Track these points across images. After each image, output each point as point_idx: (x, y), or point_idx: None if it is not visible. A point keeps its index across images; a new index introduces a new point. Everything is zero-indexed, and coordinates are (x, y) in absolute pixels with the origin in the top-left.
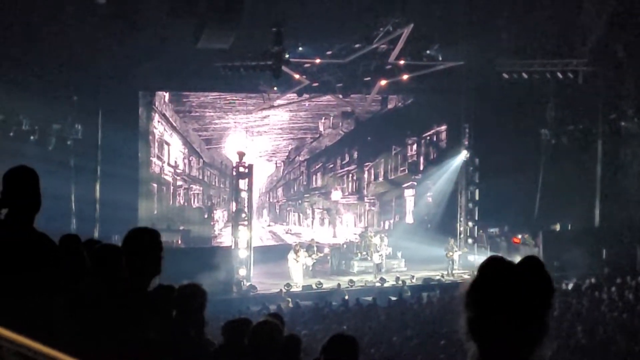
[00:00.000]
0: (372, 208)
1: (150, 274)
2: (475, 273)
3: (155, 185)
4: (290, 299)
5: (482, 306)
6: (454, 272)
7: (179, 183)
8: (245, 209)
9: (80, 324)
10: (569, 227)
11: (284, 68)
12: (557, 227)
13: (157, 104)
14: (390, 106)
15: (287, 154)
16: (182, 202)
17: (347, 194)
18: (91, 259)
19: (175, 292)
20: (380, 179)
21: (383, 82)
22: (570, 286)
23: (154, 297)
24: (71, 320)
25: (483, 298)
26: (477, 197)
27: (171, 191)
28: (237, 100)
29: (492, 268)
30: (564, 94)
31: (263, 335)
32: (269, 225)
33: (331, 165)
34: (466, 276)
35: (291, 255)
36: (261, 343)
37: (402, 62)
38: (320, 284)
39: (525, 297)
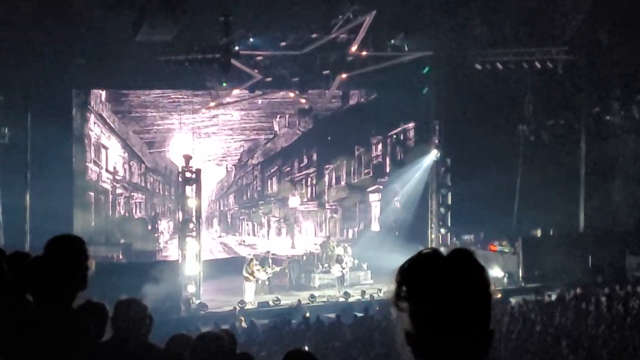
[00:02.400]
0: (334, 215)
1: (75, 288)
2: (403, 265)
3: (92, 193)
4: (244, 318)
5: (410, 302)
6: None
7: (119, 191)
8: (193, 219)
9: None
10: (551, 233)
11: (233, 62)
12: (538, 233)
13: (92, 103)
14: (352, 102)
15: (238, 157)
16: (122, 212)
17: (305, 200)
18: (24, 272)
19: (113, 308)
20: (343, 183)
21: (344, 76)
22: (553, 297)
23: (80, 314)
24: None
25: (411, 293)
26: (449, 201)
27: (110, 200)
28: (182, 98)
29: (420, 260)
30: (543, 85)
31: (205, 347)
32: (220, 237)
33: (288, 169)
34: None
35: (245, 269)
36: (203, 356)
37: (364, 53)
38: (278, 300)
39: (455, 291)
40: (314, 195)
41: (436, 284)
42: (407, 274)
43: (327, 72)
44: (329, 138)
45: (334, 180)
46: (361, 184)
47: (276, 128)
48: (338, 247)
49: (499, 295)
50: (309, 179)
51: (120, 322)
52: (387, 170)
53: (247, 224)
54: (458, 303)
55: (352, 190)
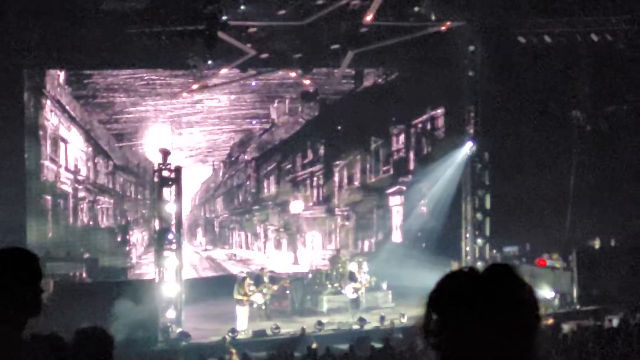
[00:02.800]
0: (346, 223)
1: (24, 315)
2: (433, 289)
3: (49, 197)
4: (236, 350)
5: (442, 334)
6: None
7: (82, 194)
8: (173, 229)
9: None
10: (612, 243)
11: (220, 34)
12: (597, 244)
13: (48, 87)
14: (367, 83)
15: (227, 151)
16: (86, 220)
17: (310, 204)
18: None
19: (71, 340)
20: (356, 184)
21: (356, 51)
22: (615, 323)
23: (30, 346)
24: None
25: (442, 323)
26: (487, 205)
27: (71, 206)
28: (158, 80)
29: (451, 282)
30: (602, 62)
31: None
32: (206, 250)
33: (288, 166)
34: None
35: (237, 291)
36: None
37: (381, 23)
38: (278, 328)
39: (495, 319)
40: (320, 198)
41: (472, 311)
42: (437, 300)
43: (336, 46)
44: (339, 128)
45: (345, 180)
46: (379, 185)
47: (274, 116)
48: (351, 263)
49: (550, 322)
50: (315, 179)
51: (81, 357)
52: (411, 167)
53: (239, 235)
54: (499, 333)
55: (368, 192)
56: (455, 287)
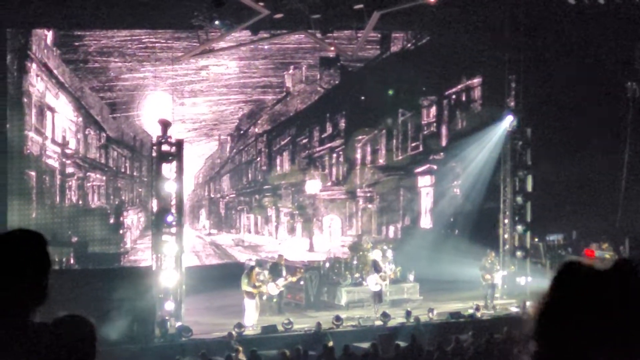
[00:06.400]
0: (369, 206)
1: (32, 303)
2: (549, 286)
3: (33, 173)
4: (242, 348)
5: (560, 336)
6: (494, 303)
7: (70, 170)
8: (173, 210)
9: None
10: None
11: None
12: None
13: (34, 49)
14: (394, 49)
15: (236, 124)
16: (75, 199)
17: (329, 184)
18: None
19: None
20: (381, 161)
21: (383, 12)
22: None
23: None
24: None
25: (560, 324)
26: (529, 188)
27: (58, 183)
28: (159, 43)
29: (572, 277)
30: None
31: None
32: (210, 234)
33: (304, 141)
34: (514, 309)
35: (245, 281)
36: None
37: None
38: (290, 323)
39: (625, 317)
40: (340, 177)
41: (600, 307)
42: (563, 288)
43: (360, 6)
44: (362, 98)
45: (368, 157)
46: (406, 163)
47: (289, 84)
48: (374, 251)
49: None
50: (334, 156)
51: (59, 350)
52: (443, 143)
53: (248, 218)
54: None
55: (394, 171)
56: (581, 282)
